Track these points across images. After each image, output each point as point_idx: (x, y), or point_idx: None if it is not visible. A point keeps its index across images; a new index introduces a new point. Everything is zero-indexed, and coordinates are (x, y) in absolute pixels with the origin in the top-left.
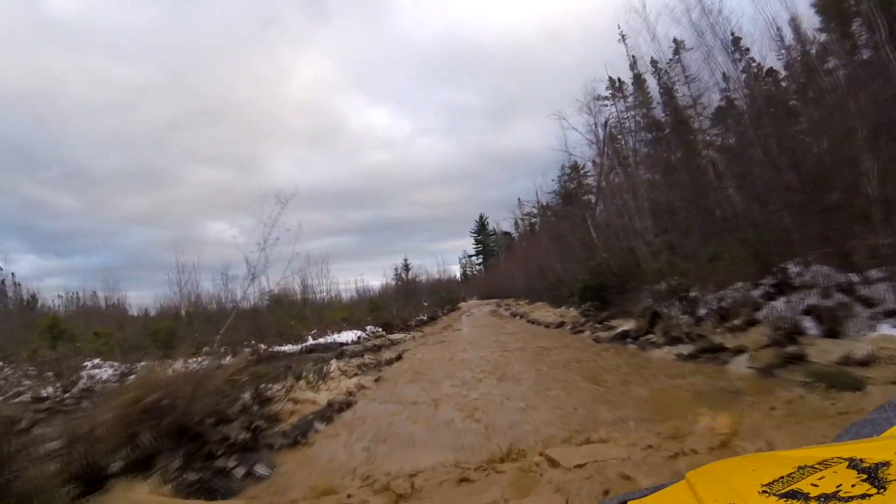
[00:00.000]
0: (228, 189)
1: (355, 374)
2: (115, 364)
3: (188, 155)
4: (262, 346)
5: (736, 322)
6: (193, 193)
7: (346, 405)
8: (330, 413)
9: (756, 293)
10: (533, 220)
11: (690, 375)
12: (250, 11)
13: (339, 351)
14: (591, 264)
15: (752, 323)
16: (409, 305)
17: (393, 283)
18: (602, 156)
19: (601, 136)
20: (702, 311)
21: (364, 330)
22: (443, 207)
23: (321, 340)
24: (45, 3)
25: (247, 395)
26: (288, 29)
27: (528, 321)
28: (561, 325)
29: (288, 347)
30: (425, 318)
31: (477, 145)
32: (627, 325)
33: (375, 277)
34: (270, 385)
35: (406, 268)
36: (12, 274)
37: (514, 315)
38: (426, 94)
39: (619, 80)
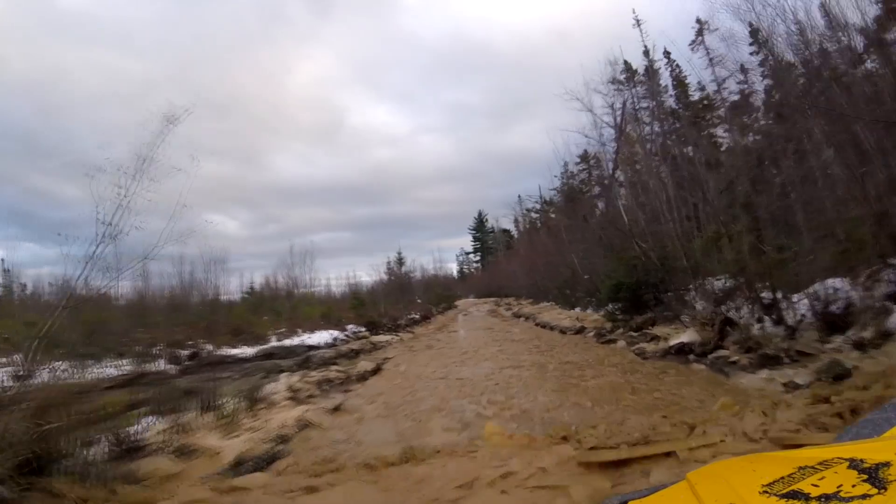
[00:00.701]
0: (232, 182)
1: (309, 398)
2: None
3: (192, 147)
4: (210, 347)
5: (864, 334)
6: (197, 185)
7: (268, 461)
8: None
9: (876, 292)
10: (535, 215)
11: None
12: (257, 7)
13: (304, 357)
14: (627, 256)
15: (885, 335)
16: (401, 302)
17: (385, 277)
18: (621, 134)
19: (620, 115)
20: (791, 317)
21: (344, 330)
22: (444, 205)
23: (287, 342)
24: None
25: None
26: (294, 25)
27: (538, 324)
28: (581, 330)
29: (241, 351)
30: (418, 316)
31: (479, 145)
32: (680, 335)
33: (376, 273)
34: (149, 421)
35: (399, 262)
36: (1, 260)
37: (517, 316)
38: (430, 93)
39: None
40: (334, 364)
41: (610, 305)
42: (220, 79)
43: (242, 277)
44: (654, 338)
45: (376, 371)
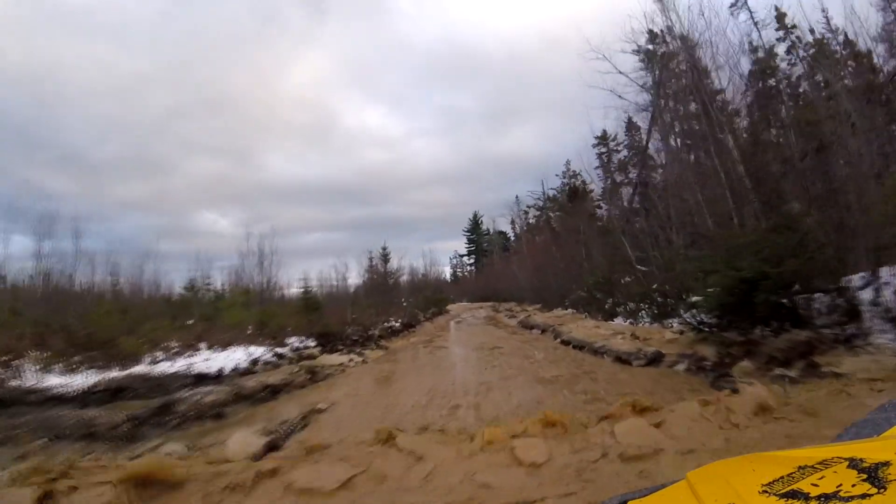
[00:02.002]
0: (225, 179)
1: None
2: None
3: (186, 144)
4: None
5: None
6: (189, 182)
7: None
8: None
9: None
10: (537, 212)
11: None
12: (252, 6)
13: (164, 402)
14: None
15: None
16: (382, 306)
17: (366, 276)
18: (660, 89)
19: (658, 71)
20: None
21: (282, 345)
22: (437, 208)
23: (167, 365)
24: None
25: None
26: (288, 26)
27: (566, 342)
28: (655, 360)
29: (66, 381)
30: (398, 325)
31: (473, 148)
32: None
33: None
34: None
35: (385, 258)
36: None
37: (527, 327)
38: (423, 96)
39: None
40: (205, 419)
41: (699, 315)
42: (214, 77)
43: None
44: (843, 380)
45: (271, 449)
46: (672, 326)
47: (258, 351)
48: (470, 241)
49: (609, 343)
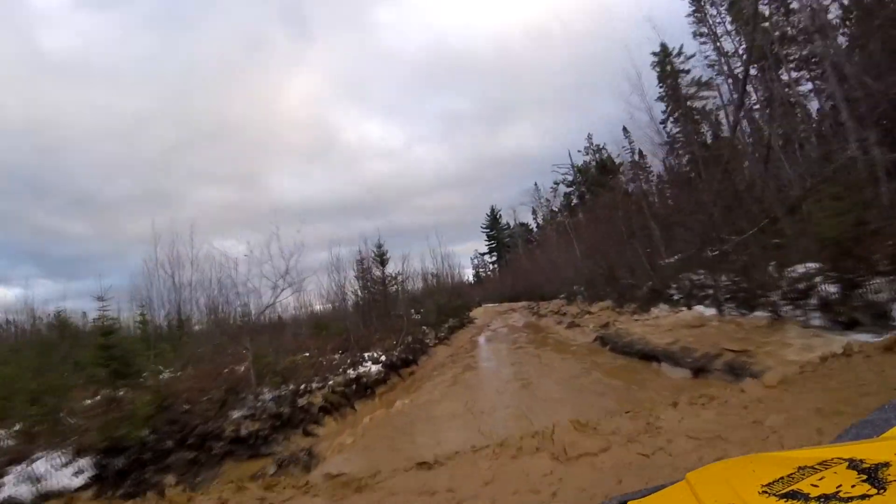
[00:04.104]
0: (235, 206)
1: None
2: None
3: (193, 175)
4: None
5: None
6: (200, 212)
7: None
8: None
9: None
10: (568, 189)
11: None
12: (238, 36)
13: None
14: None
15: None
16: (377, 324)
17: (355, 287)
18: None
19: None
20: None
21: None
22: (447, 213)
23: None
24: (42, 42)
25: None
26: (276, 50)
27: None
28: None
29: None
30: (389, 359)
31: (473, 150)
32: None
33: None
34: None
35: (381, 260)
36: None
37: (610, 347)
38: (418, 104)
39: None
40: None
41: None
42: (211, 108)
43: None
44: None
45: None
46: None
47: None
48: (490, 237)
49: None
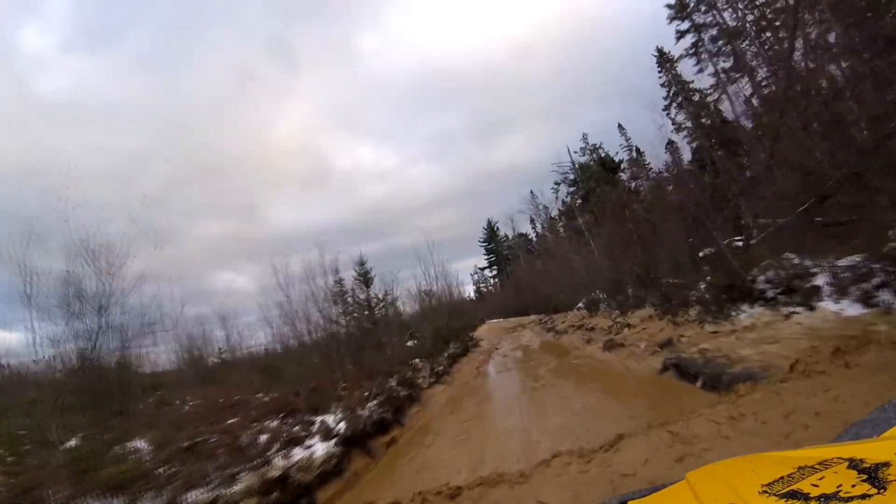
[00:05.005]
0: (235, 238)
1: None
2: None
3: (191, 210)
4: None
5: None
6: (200, 247)
7: None
8: None
9: None
10: (571, 188)
11: None
12: (228, 72)
13: None
14: None
15: None
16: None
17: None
18: None
19: None
20: None
21: None
22: (445, 231)
23: None
24: (35, 86)
25: None
26: (266, 84)
27: None
28: None
29: None
30: (354, 425)
31: (467, 167)
32: None
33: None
34: None
35: (364, 280)
36: None
37: (703, 383)
38: (409, 125)
39: None
40: None
41: None
42: (205, 144)
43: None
44: None
45: None
46: None
47: None
48: (488, 251)
49: None
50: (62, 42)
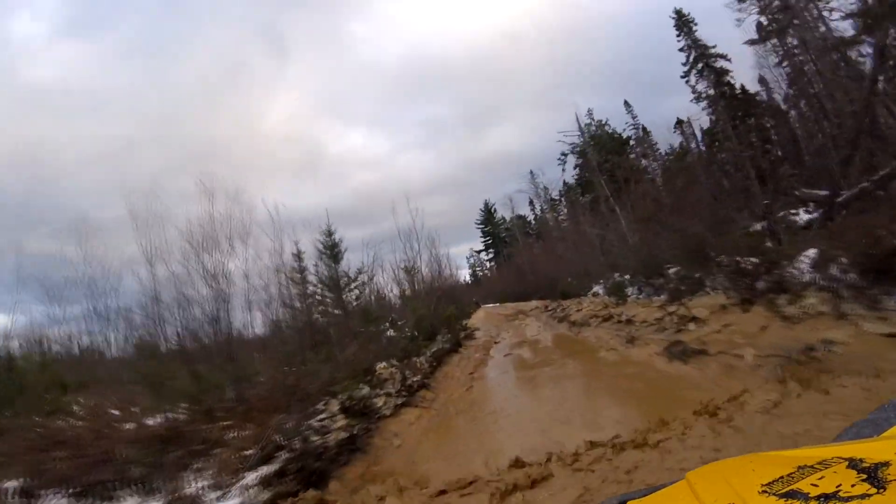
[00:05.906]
0: (226, 221)
1: None
2: None
3: (183, 196)
4: None
5: None
6: (194, 227)
7: None
8: None
9: None
10: (579, 158)
11: None
12: (218, 59)
13: None
14: None
15: None
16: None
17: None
18: None
19: None
20: None
21: None
22: (437, 217)
23: None
24: (24, 74)
25: None
26: (257, 70)
27: None
28: None
29: None
30: None
31: (458, 154)
32: None
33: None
34: None
35: (332, 254)
36: None
37: None
38: (400, 112)
39: None
40: None
41: None
42: (197, 131)
43: None
44: None
45: None
46: None
47: None
48: (485, 233)
49: None
50: (53, 29)
